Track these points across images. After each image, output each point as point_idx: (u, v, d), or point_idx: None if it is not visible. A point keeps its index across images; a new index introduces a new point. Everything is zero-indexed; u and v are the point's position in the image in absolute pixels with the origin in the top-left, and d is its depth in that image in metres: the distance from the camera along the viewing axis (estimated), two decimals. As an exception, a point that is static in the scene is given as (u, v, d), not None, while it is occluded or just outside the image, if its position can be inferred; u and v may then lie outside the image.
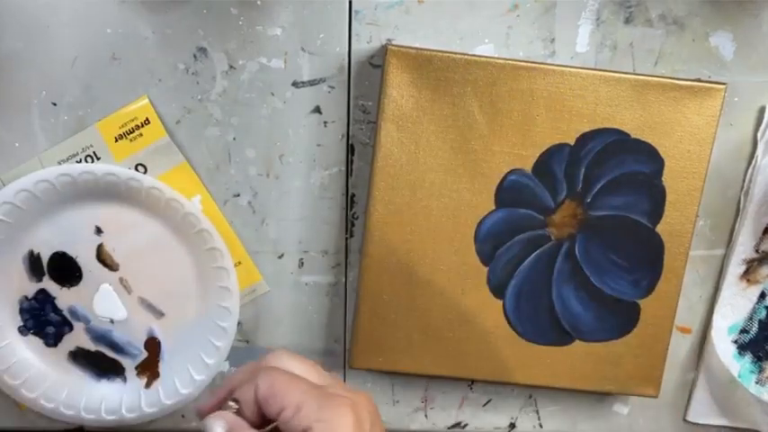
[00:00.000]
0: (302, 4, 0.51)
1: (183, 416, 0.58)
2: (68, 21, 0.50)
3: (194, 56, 0.52)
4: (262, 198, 0.55)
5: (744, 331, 0.59)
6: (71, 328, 0.55)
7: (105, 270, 0.54)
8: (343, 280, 0.57)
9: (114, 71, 0.52)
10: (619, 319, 0.55)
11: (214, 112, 0.53)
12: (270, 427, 0.35)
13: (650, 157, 0.53)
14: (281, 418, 0.33)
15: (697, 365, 0.60)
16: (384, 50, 0.51)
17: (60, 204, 0.52)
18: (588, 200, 0.53)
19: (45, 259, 0.53)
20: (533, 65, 0.51)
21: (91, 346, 0.55)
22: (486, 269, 0.54)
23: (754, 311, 0.58)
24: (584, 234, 0.54)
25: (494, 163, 0.52)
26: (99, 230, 0.53)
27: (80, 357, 0.55)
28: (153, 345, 0.55)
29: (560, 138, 0.52)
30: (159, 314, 0.55)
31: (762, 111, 0.55)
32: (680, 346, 0.60)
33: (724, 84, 0.52)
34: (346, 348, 0.58)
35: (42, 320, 0.54)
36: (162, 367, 0.56)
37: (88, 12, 0.51)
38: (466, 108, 0.51)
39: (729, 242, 0.58)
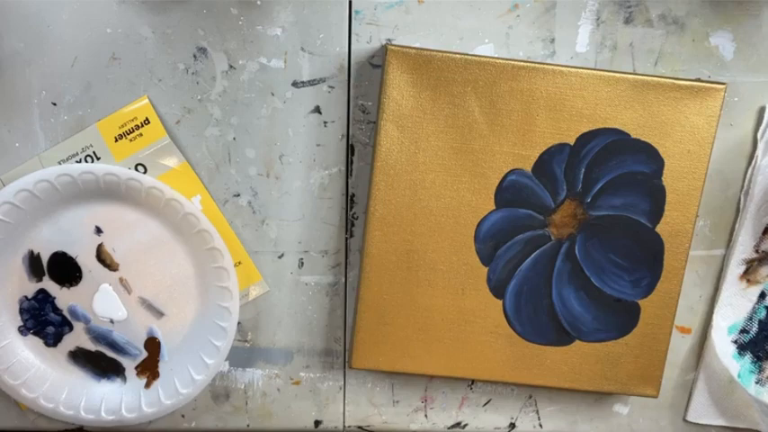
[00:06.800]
0: (302, 4, 0.51)
1: (182, 416, 0.58)
2: (68, 21, 0.51)
3: (194, 56, 0.52)
4: (262, 198, 0.55)
5: (743, 331, 0.59)
6: (71, 328, 0.55)
7: (105, 270, 0.54)
8: (343, 280, 0.57)
9: (114, 71, 0.52)
10: (619, 319, 0.55)
11: (214, 112, 0.53)
12: None
13: (650, 157, 0.53)
14: None
15: (697, 365, 0.60)
16: (384, 50, 0.51)
17: (60, 204, 0.52)
18: (588, 200, 0.53)
19: (45, 259, 0.53)
20: (533, 65, 0.51)
21: (91, 346, 0.55)
22: (486, 269, 0.54)
23: (753, 311, 0.58)
24: (584, 234, 0.54)
25: (494, 163, 0.52)
26: (99, 230, 0.53)
27: (80, 357, 0.55)
28: (153, 345, 0.55)
29: (560, 138, 0.52)
30: (159, 314, 0.55)
31: (762, 111, 0.55)
32: (680, 346, 0.60)
33: (724, 84, 0.52)
34: (346, 348, 0.58)
35: (42, 320, 0.54)
36: (162, 367, 0.56)
37: (88, 12, 0.51)
38: (466, 108, 0.51)
39: (729, 242, 0.58)
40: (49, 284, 0.54)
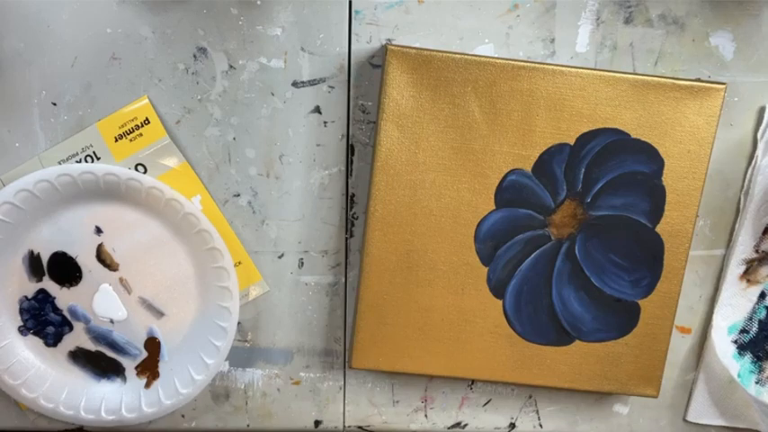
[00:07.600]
0: (302, 4, 0.52)
1: (182, 416, 0.58)
2: (68, 21, 0.51)
3: (194, 56, 0.52)
4: (262, 198, 0.55)
5: (743, 331, 0.59)
6: (71, 328, 0.55)
7: (105, 270, 0.54)
8: (343, 280, 0.57)
9: (114, 71, 0.52)
10: (619, 319, 0.55)
11: (214, 112, 0.53)
12: None
13: (650, 157, 0.53)
14: None
15: (697, 365, 0.60)
16: (384, 50, 0.51)
17: (60, 204, 0.52)
18: (588, 200, 0.53)
19: (45, 259, 0.53)
20: (533, 65, 0.51)
21: (91, 346, 0.55)
22: (486, 269, 0.54)
23: (753, 311, 0.58)
24: (584, 234, 0.54)
25: (494, 163, 0.52)
26: (99, 230, 0.53)
27: (80, 357, 0.55)
28: (153, 345, 0.55)
29: (560, 138, 0.52)
30: (159, 314, 0.55)
31: (762, 111, 0.55)
32: (680, 346, 0.60)
33: (724, 84, 0.52)
34: (346, 348, 0.58)
35: (42, 320, 0.54)
36: (162, 367, 0.56)
37: (88, 12, 0.51)
38: (466, 108, 0.51)
39: (729, 242, 0.58)
40: (49, 284, 0.54)
